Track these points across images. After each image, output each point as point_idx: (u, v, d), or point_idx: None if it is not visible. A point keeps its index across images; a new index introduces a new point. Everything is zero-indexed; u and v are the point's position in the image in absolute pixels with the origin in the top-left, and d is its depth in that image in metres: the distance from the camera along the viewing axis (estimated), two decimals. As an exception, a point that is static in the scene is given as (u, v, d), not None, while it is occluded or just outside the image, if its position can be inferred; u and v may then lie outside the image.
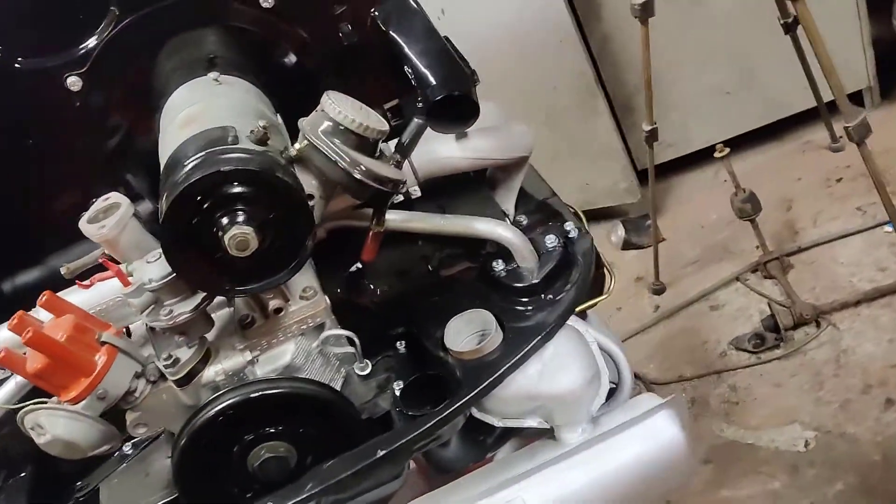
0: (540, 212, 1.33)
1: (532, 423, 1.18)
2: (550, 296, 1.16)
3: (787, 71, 2.66)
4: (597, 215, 3.02)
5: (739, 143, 2.93)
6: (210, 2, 1.11)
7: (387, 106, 1.26)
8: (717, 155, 2.35)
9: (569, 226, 1.24)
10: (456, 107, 1.15)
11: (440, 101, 1.13)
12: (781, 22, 2.38)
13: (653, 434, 1.14)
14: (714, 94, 2.76)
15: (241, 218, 0.92)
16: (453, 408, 1.06)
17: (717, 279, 2.63)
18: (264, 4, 1.11)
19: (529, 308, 1.16)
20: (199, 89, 1.10)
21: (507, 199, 1.34)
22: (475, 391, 1.08)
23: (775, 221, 2.69)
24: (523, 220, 1.32)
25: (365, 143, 1.06)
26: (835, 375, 2.21)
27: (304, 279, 1.17)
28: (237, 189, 0.92)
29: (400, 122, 1.28)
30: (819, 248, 2.55)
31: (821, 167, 2.80)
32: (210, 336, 1.14)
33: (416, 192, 1.24)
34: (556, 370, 1.14)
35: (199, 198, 0.91)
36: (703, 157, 2.96)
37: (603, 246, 2.95)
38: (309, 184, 1.07)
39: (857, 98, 2.88)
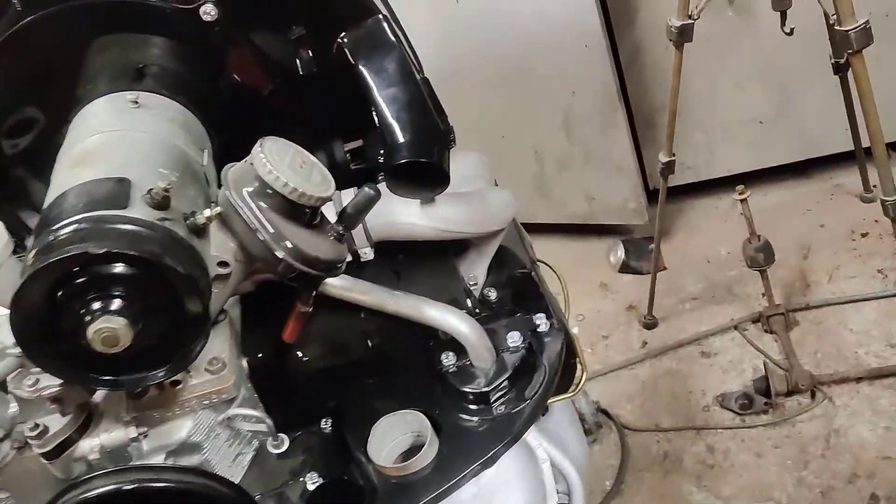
0: (513, 287, 1.14)
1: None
2: (502, 407, 0.98)
3: (828, 108, 2.43)
4: (600, 230, 2.81)
5: (764, 177, 2.72)
6: (141, 6, 0.90)
7: (348, 147, 1.06)
8: (736, 197, 2.14)
9: (539, 319, 1.05)
10: (422, 172, 0.95)
11: (404, 165, 0.94)
12: (832, 61, 2.14)
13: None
14: (746, 122, 2.54)
15: (114, 306, 0.74)
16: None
17: (715, 324, 2.44)
18: (205, 18, 0.90)
19: (475, 419, 0.98)
20: (112, 111, 0.90)
21: (478, 264, 1.15)
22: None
23: (789, 268, 2.49)
24: (492, 294, 1.13)
25: (299, 211, 0.87)
26: (822, 456, 2.04)
27: (214, 347, 0.99)
28: (113, 270, 0.73)
29: (361, 167, 1.08)
30: (829, 309, 2.35)
31: (847, 216, 2.58)
32: (96, 397, 0.97)
33: (367, 254, 1.05)
34: (494, 496, 0.97)
35: (64, 274, 0.73)
36: (723, 184, 2.74)
37: (600, 265, 2.76)
38: (225, 246, 0.89)
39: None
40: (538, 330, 1.05)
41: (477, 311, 1.08)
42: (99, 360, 0.76)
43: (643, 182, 2.61)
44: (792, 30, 1.83)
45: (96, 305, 0.73)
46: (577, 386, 1.14)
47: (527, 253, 1.18)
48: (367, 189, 0.88)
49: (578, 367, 1.16)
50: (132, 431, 0.95)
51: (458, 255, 1.12)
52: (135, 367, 0.79)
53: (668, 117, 1.99)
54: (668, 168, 2.10)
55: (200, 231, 0.85)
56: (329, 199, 0.88)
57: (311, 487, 1.01)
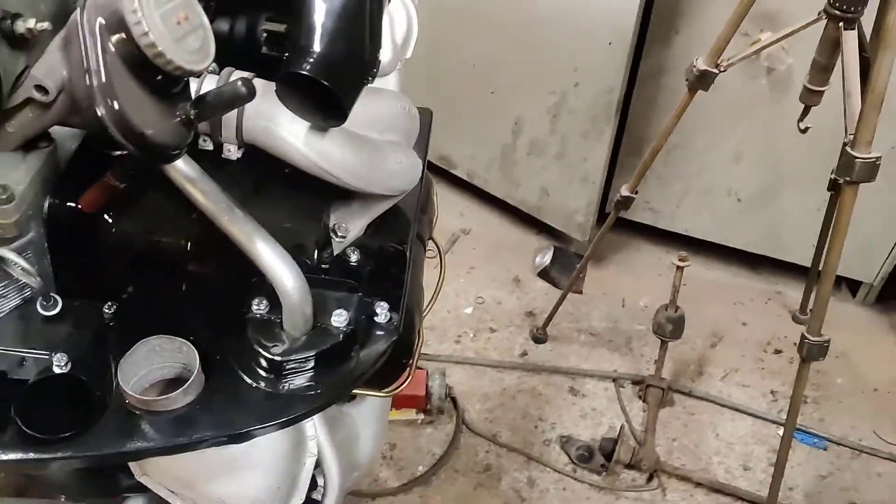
0: (378, 260, 0.99)
1: (175, 501, 0.89)
2: (287, 385, 0.84)
3: (807, 217, 2.33)
4: (539, 227, 2.68)
5: (715, 252, 2.61)
6: None
7: (267, 27, 0.88)
8: (675, 262, 2.03)
9: (381, 307, 0.91)
10: (318, 95, 0.79)
11: (301, 78, 0.77)
12: (832, 176, 2.01)
13: None
14: (726, 192, 2.41)
15: None
16: (57, 457, 0.76)
17: (598, 367, 2.36)
18: None
19: (253, 384, 0.84)
20: None
21: (357, 218, 1.00)
22: (111, 451, 0.78)
23: (691, 349, 2.41)
24: (352, 256, 0.98)
25: (150, 72, 0.71)
26: (627, 539, 1.99)
27: (10, 175, 0.82)
28: None
29: (273, 55, 0.90)
30: (708, 405, 2.28)
31: (772, 327, 2.50)
32: None
33: (231, 153, 0.89)
34: (229, 472, 0.84)
35: None
36: (675, 240, 2.62)
37: (523, 259, 2.64)
38: (53, 72, 0.72)
39: (853, 285, 2.58)
40: (374, 318, 0.91)
41: (323, 267, 0.93)
42: None
43: (600, 202, 2.47)
44: (807, 128, 1.69)
45: None
46: (393, 390, 1.01)
47: (416, 229, 1.03)
48: (238, 83, 0.72)
49: (407, 371, 1.03)
50: None
51: (342, 198, 0.97)
52: None
53: (648, 155, 1.85)
54: (625, 203, 1.96)
55: (18, 41, 0.68)
56: (196, 74, 0.72)
57: (56, 370, 0.86)
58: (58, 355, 0.88)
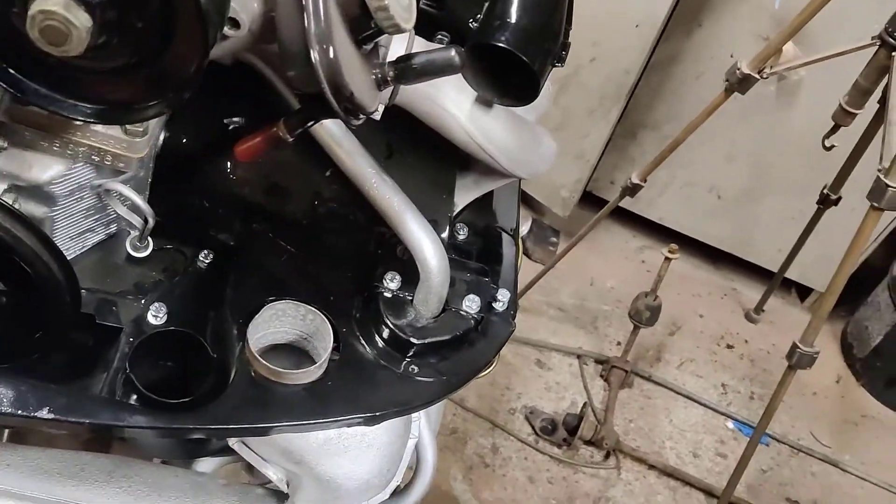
0: (485, 239, 0.95)
1: (271, 474, 0.84)
2: (414, 368, 0.80)
3: (780, 225, 2.41)
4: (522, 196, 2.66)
5: (682, 242, 2.67)
6: None
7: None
8: (665, 253, 2.06)
9: (503, 295, 0.88)
10: (508, 71, 0.74)
11: (489, 49, 0.72)
12: (824, 191, 2.08)
13: None
14: (708, 188, 2.46)
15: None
16: (178, 427, 0.69)
17: (564, 343, 2.39)
18: None
19: (382, 361, 0.80)
20: None
21: (467, 190, 0.95)
22: (248, 425, 0.72)
23: (650, 334, 2.47)
24: (461, 233, 0.94)
25: (363, 25, 0.64)
26: (582, 513, 2.05)
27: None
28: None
29: (432, 8, 0.84)
30: (663, 391, 2.36)
31: (725, 321, 2.60)
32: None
33: (376, 112, 0.83)
34: (346, 452, 0.80)
35: None
36: (648, 226, 2.67)
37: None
38: (248, 5, 0.64)
39: (803, 291, 2.70)
40: (493, 305, 0.88)
41: (450, 244, 0.89)
42: (37, 61, 0.50)
43: (587, 181, 2.48)
44: (833, 146, 1.74)
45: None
46: (484, 373, 0.98)
47: (517, 215, 1.00)
48: (453, 52, 0.66)
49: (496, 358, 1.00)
50: (-16, 137, 0.68)
51: (460, 170, 0.92)
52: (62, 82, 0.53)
53: (668, 147, 1.85)
54: (633, 190, 1.97)
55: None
56: (402, 31, 0.65)
57: (151, 320, 0.79)
58: (154, 304, 0.80)
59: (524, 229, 2.57)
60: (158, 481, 0.81)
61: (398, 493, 0.90)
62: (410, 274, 0.81)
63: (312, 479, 0.81)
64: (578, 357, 2.37)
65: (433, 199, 0.86)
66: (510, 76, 0.75)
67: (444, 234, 0.87)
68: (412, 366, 0.80)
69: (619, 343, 2.41)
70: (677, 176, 2.46)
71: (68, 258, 0.80)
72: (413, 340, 0.79)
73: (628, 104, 2.33)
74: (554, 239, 2.60)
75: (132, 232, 0.84)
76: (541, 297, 2.48)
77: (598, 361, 2.37)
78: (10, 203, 0.71)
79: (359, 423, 0.75)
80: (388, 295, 0.81)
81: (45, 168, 0.72)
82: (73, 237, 0.80)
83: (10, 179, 0.71)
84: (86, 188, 0.77)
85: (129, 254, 0.85)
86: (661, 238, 2.62)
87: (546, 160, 0.89)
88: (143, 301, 0.81)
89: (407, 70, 0.67)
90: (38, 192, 0.73)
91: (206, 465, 0.90)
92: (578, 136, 2.31)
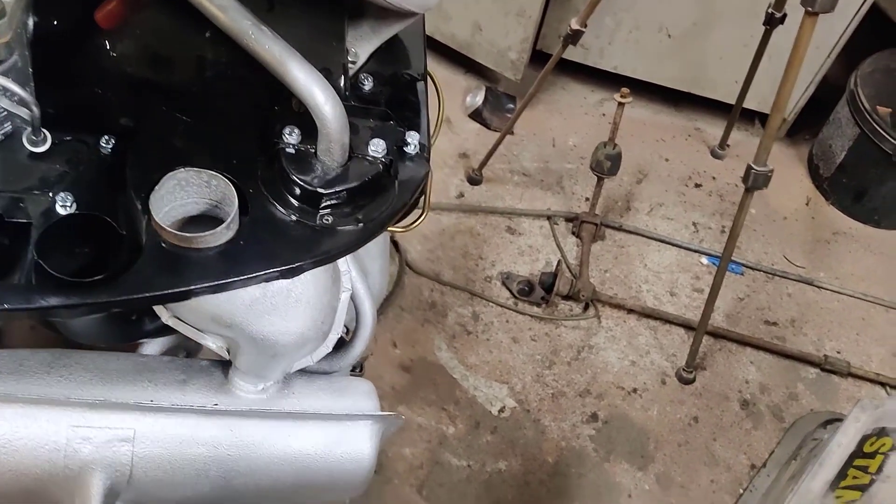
0: (392, 87, 0.94)
1: (209, 343, 0.86)
2: (329, 219, 0.80)
3: (733, 54, 2.38)
4: (468, 66, 2.62)
5: (639, 89, 2.64)
6: None
7: None
8: (617, 98, 2.04)
9: (412, 137, 0.87)
10: None
11: None
12: (768, 10, 2.04)
13: (342, 442, 0.87)
14: (657, 28, 2.41)
15: None
16: (93, 302, 0.70)
17: (532, 206, 2.40)
18: None
19: (292, 217, 0.80)
20: None
21: (366, 42, 0.93)
22: (162, 292, 0.73)
23: (618, 185, 2.48)
24: (366, 83, 0.93)
25: None
26: (567, 363, 2.11)
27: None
28: None
29: None
30: (635, 238, 2.38)
31: (692, 162, 2.60)
32: None
33: (246, -37, 0.80)
34: (274, 309, 0.81)
35: None
36: (602, 78, 2.64)
37: (453, 100, 2.59)
38: None
39: (766, 119, 2.68)
40: (405, 149, 0.87)
41: (346, 94, 0.88)
42: None
43: (535, 38, 2.43)
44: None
45: None
46: (415, 222, 0.99)
47: (423, 59, 0.98)
48: None
49: (422, 202, 1.00)
50: None
51: (352, 19, 0.90)
52: None
53: (603, -14, 1.80)
54: (574, 37, 1.93)
55: None
56: None
57: (60, 210, 0.79)
58: (61, 194, 0.80)
59: (479, 100, 2.53)
60: (101, 366, 0.83)
61: (343, 345, 0.92)
62: (309, 127, 0.81)
63: (248, 341, 0.82)
64: (548, 218, 2.38)
65: (322, 48, 0.84)
66: None
67: (341, 83, 0.85)
68: (326, 217, 0.81)
69: (587, 199, 2.42)
70: (624, 20, 2.41)
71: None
72: (321, 191, 0.79)
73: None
74: (511, 105, 2.56)
75: (26, 128, 0.83)
76: (503, 164, 2.48)
77: (568, 219, 2.38)
78: None
79: (276, 278, 0.76)
80: (290, 150, 0.81)
81: None
82: (-36, 139, 0.79)
83: None
84: (-38, 84, 0.75)
85: (29, 150, 0.84)
86: (618, 88, 2.58)
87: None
88: (49, 194, 0.80)
89: None
90: None
91: (150, 348, 0.92)
92: (516, -7, 2.25)
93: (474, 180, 2.41)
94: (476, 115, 2.54)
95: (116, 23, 0.67)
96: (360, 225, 0.81)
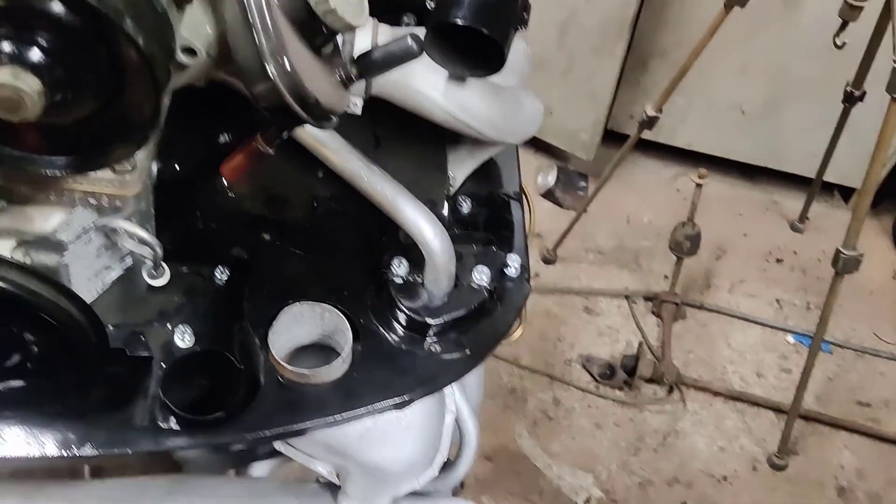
0: (489, 207, 0.96)
1: (320, 469, 0.87)
2: (437, 347, 0.82)
3: (811, 130, 2.35)
4: (538, 146, 2.65)
5: (714, 164, 2.63)
6: None
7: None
8: (694, 179, 2.03)
9: (513, 260, 0.89)
10: (473, 44, 0.74)
11: (452, 27, 0.72)
12: (847, 88, 2.03)
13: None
14: (730, 105, 2.41)
15: (31, 56, 0.50)
16: (217, 441, 0.72)
17: (609, 285, 2.38)
18: None
19: (403, 346, 0.81)
20: None
21: (463, 165, 0.96)
22: (280, 430, 0.75)
23: (698, 263, 2.45)
24: (464, 205, 0.95)
25: (315, 29, 0.64)
26: (654, 450, 2.06)
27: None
28: (48, 6, 0.49)
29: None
30: (719, 317, 2.34)
31: (772, 237, 2.56)
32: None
33: (355, 107, 0.83)
34: (385, 438, 0.82)
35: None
36: (676, 155, 2.63)
37: (526, 180, 2.60)
38: (200, 32, 0.65)
39: (846, 192, 2.64)
40: (506, 272, 0.88)
41: (449, 220, 0.90)
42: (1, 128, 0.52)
43: (606, 119, 2.45)
44: (844, 44, 1.69)
45: (6, 48, 0.49)
46: (512, 335, 1.00)
47: (518, 178, 1.00)
48: (409, 40, 0.66)
49: (518, 322, 1.01)
50: (-16, 198, 0.71)
51: (450, 144, 0.92)
52: (30, 143, 0.56)
53: (677, 73, 1.82)
54: (649, 123, 1.94)
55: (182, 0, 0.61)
56: (354, 28, 0.66)
57: (178, 343, 0.82)
58: (179, 326, 0.83)
59: (551, 179, 2.55)
60: (217, 492, 0.85)
61: (447, 466, 0.92)
62: (417, 256, 0.83)
63: (358, 468, 0.83)
64: (626, 297, 2.36)
65: (427, 180, 0.87)
66: (476, 48, 0.75)
67: (444, 212, 0.88)
68: (434, 345, 0.82)
69: (665, 277, 2.40)
70: (695, 100, 2.42)
71: (91, 298, 0.84)
72: (429, 321, 0.81)
73: (633, 36, 2.29)
74: (583, 184, 2.57)
75: (146, 262, 0.87)
76: (578, 243, 2.48)
77: (647, 298, 2.36)
78: (21, 258, 0.74)
79: (390, 409, 0.77)
80: (398, 281, 0.83)
81: (47, 218, 0.75)
82: (90, 278, 0.84)
83: (17, 235, 0.74)
84: (91, 230, 0.79)
85: (148, 284, 0.87)
86: (692, 164, 2.57)
87: (532, 122, 0.89)
88: (168, 326, 0.84)
89: (368, 65, 0.67)
90: (46, 243, 0.76)
91: (260, 468, 0.94)
92: (587, 78, 2.28)
93: (549, 260, 2.42)
94: (548, 195, 2.56)
95: (241, 175, 0.71)
96: (467, 351, 0.82)
